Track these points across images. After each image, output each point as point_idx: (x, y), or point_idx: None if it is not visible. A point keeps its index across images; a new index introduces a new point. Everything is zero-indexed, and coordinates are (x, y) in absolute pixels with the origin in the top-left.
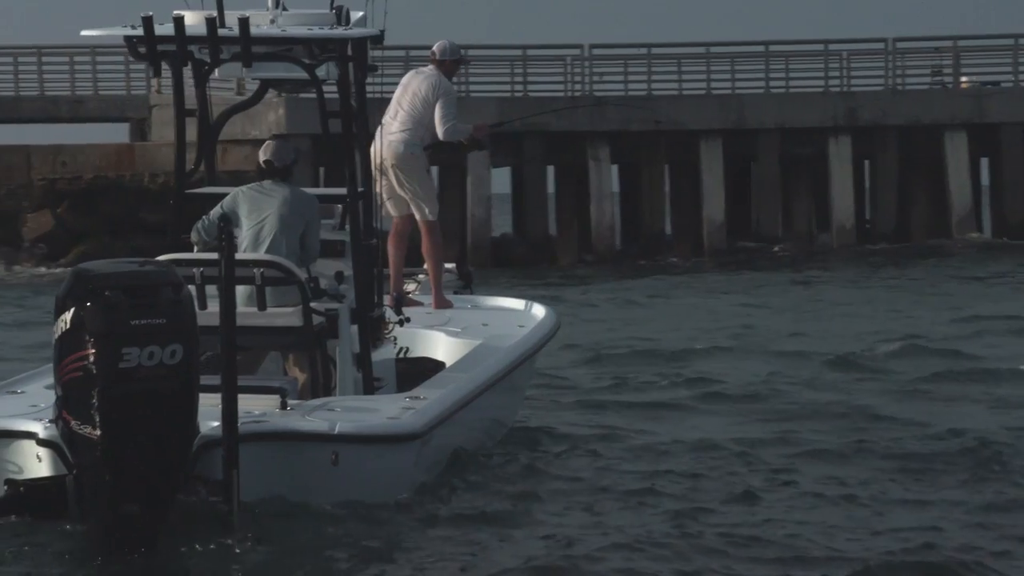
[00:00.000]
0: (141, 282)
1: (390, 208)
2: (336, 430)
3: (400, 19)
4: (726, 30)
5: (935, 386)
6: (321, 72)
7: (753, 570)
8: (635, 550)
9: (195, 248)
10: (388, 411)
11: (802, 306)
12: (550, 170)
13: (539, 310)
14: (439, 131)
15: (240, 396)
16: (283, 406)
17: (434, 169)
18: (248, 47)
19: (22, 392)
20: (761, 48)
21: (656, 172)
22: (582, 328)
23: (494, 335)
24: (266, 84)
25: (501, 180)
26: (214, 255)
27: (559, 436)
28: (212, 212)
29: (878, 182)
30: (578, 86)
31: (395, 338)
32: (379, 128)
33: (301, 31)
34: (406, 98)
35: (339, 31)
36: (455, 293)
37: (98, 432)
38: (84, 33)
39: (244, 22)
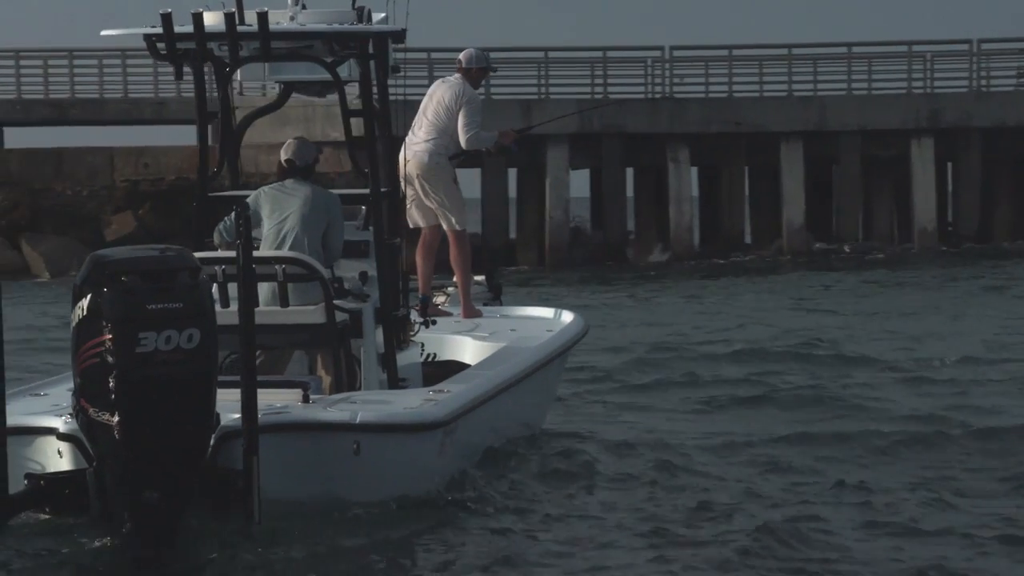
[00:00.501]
0: (158, 267)
1: (417, 219)
2: (358, 420)
3: (481, 20)
4: (808, 31)
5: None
6: (344, 72)
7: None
8: (659, 551)
9: (218, 250)
10: (410, 402)
11: (879, 309)
12: (629, 172)
13: (568, 316)
14: (461, 140)
15: (263, 391)
16: (305, 400)
17: (512, 172)
18: (267, 42)
19: (45, 395)
20: (844, 50)
21: (736, 174)
22: (640, 327)
23: (521, 338)
24: (289, 87)
25: (580, 183)
26: (232, 254)
27: (594, 436)
28: (230, 216)
29: (961, 184)
30: (658, 88)
31: (422, 344)
32: (406, 138)
33: (321, 26)
34: (431, 107)
35: (359, 27)
36: (484, 305)
37: (116, 418)
38: (104, 33)
39: (263, 16)
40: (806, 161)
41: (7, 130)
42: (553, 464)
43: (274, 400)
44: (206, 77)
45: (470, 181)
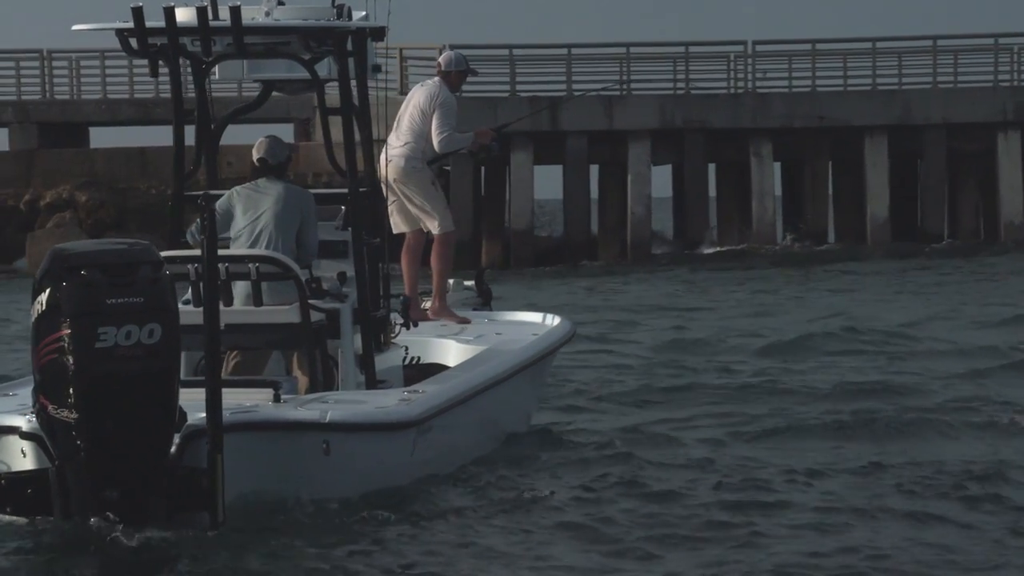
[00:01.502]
0: (118, 260)
1: (400, 223)
2: (327, 418)
3: (562, 16)
4: (893, 25)
5: None
6: (324, 71)
7: None
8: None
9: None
10: (383, 402)
11: (961, 305)
12: (711, 168)
13: (555, 320)
14: (434, 143)
15: (234, 391)
16: (276, 399)
17: (593, 168)
18: (240, 37)
19: (14, 395)
20: (929, 43)
21: (819, 169)
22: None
23: (505, 341)
24: (269, 86)
25: (662, 179)
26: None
27: (580, 437)
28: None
29: None
30: (741, 83)
31: (406, 347)
32: (387, 142)
33: (296, 22)
34: (408, 112)
35: (336, 22)
36: (474, 309)
37: (75, 415)
38: (75, 28)
39: (236, 11)
40: (890, 156)
41: (93, 130)
42: (532, 465)
43: (244, 400)
44: (184, 74)
45: (553, 179)
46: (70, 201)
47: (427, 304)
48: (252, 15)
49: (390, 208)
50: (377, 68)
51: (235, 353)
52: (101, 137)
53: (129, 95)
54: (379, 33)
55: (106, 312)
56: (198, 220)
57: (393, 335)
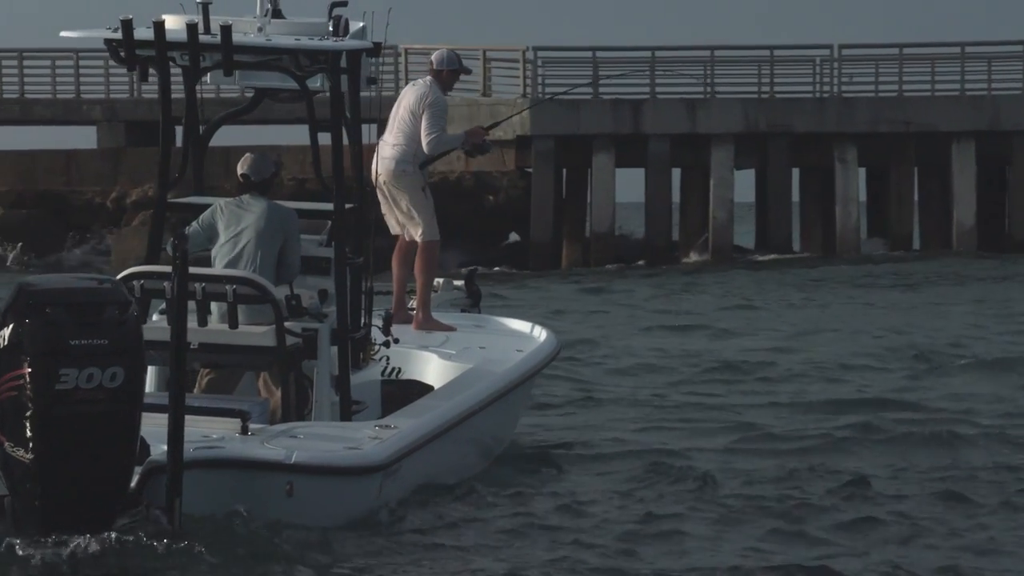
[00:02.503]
0: (84, 299)
1: (391, 226)
2: (292, 460)
3: (647, 19)
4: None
5: None
6: (317, 83)
7: None
8: None
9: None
10: (352, 440)
11: None
12: (795, 172)
13: (541, 333)
14: (423, 144)
15: (202, 418)
16: (244, 430)
17: (676, 172)
18: (229, 56)
19: None
20: (1019, 48)
21: (905, 175)
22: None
23: (488, 359)
24: (261, 93)
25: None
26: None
27: (555, 459)
28: (190, 226)
29: None
30: (827, 87)
31: (387, 357)
32: (378, 143)
33: (287, 41)
34: (399, 113)
35: (328, 43)
36: (462, 311)
37: (30, 456)
38: (64, 34)
39: (226, 30)
40: (978, 161)
41: (180, 129)
42: (492, 501)
43: (212, 429)
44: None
45: (635, 182)
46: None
47: (413, 302)
48: (245, 28)
49: (383, 209)
50: (373, 81)
51: (208, 371)
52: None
53: (216, 94)
54: (373, 51)
55: (69, 353)
56: (180, 230)
57: (373, 352)
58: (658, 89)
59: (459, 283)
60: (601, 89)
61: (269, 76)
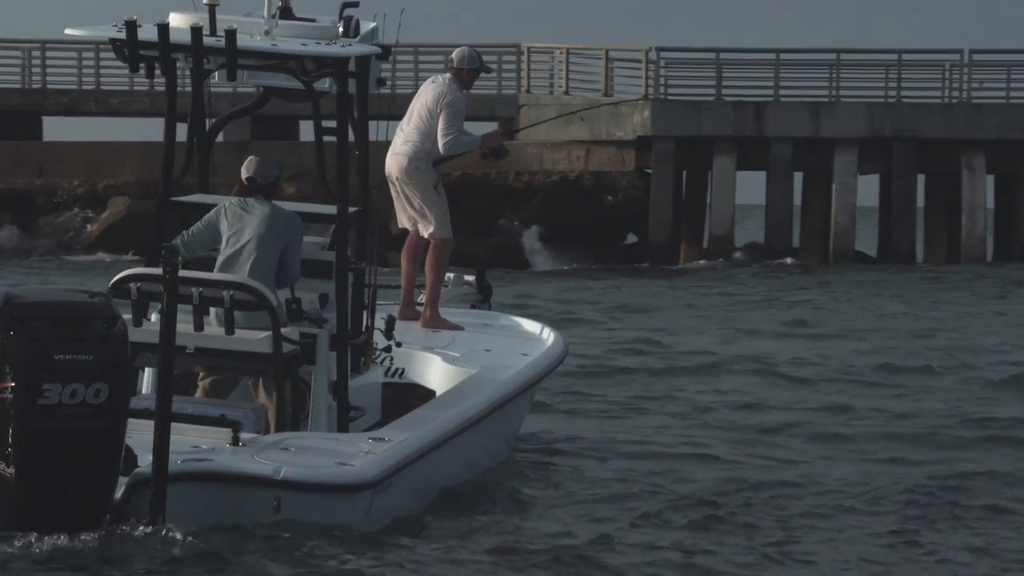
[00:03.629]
0: (71, 314)
1: (403, 222)
2: (280, 475)
3: (770, 21)
4: None
5: None
6: (326, 84)
7: None
8: None
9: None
10: (343, 455)
11: None
12: (920, 178)
13: (549, 336)
14: (439, 145)
15: (193, 427)
16: (235, 441)
17: (798, 176)
18: (233, 61)
19: None
20: None
21: None
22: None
23: (492, 365)
24: (269, 91)
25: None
26: (183, 274)
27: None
28: (194, 227)
29: None
30: (955, 92)
31: (390, 357)
32: (393, 139)
33: (292, 46)
34: (416, 109)
35: (334, 48)
36: (472, 307)
37: (11, 470)
38: (68, 32)
39: (231, 35)
40: None
41: (303, 123)
42: (502, 503)
43: (203, 439)
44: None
45: (756, 185)
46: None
47: (422, 298)
48: (251, 30)
49: (395, 204)
50: (382, 82)
51: (207, 374)
52: (309, 130)
53: (233, 88)
54: (383, 55)
55: (52, 368)
56: (184, 233)
57: (374, 356)
58: (782, 92)
59: (470, 278)
60: (723, 91)
61: (277, 75)
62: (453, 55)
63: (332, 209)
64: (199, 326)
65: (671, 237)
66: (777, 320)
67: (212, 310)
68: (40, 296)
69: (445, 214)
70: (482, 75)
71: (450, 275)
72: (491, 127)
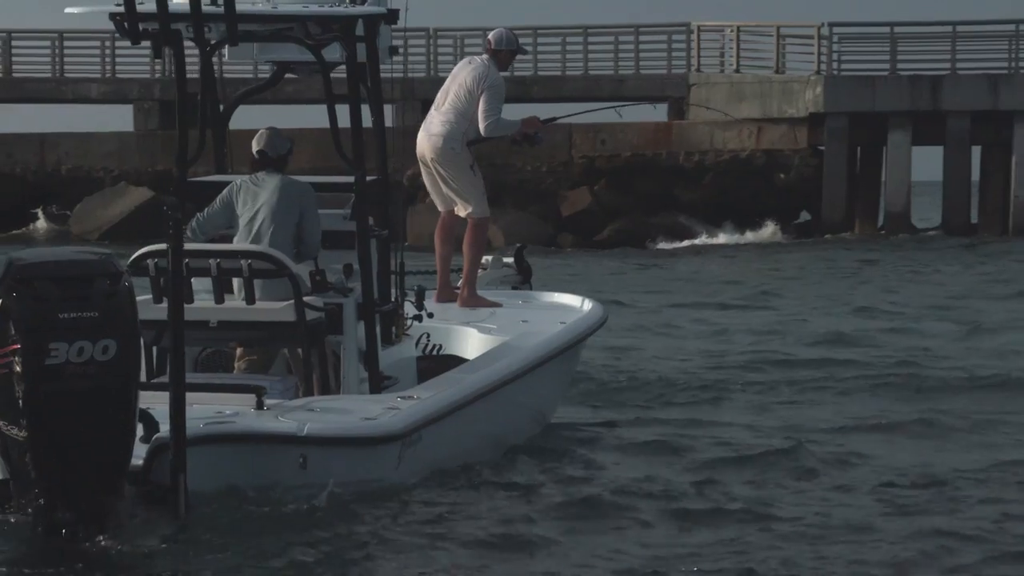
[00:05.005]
0: (74, 272)
1: (437, 202)
2: (304, 432)
3: None
4: None
5: None
6: (336, 54)
7: None
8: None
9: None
10: (370, 412)
11: None
12: None
13: (589, 306)
14: (481, 127)
15: (216, 395)
16: (259, 405)
17: (975, 149)
18: (234, 25)
19: None
20: None
21: None
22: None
23: (527, 332)
24: (283, 67)
25: None
26: (199, 246)
27: (608, 441)
28: (208, 209)
29: None
30: None
31: (427, 334)
32: (425, 119)
33: (293, 8)
34: (452, 88)
35: (337, 9)
36: (513, 288)
37: (24, 434)
38: (68, 11)
39: (230, 0)
40: None
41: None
42: (530, 478)
43: (226, 405)
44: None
45: (932, 160)
46: None
47: (460, 282)
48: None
49: (427, 185)
50: (394, 51)
51: (243, 352)
52: None
53: (510, 72)
54: (392, 17)
55: (57, 327)
56: (198, 216)
57: (406, 328)
58: (959, 64)
59: (509, 260)
60: (898, 65)
61: (287, 49)
62: (490, 36)
63: (347, 179)
64: (220, 299)
65: (845, 215)
66: None
67: (235, 285)
68: (42, 256)
69: (483, 193)
70: (643, 53)
71: (488, 257)
72: (527, 114)
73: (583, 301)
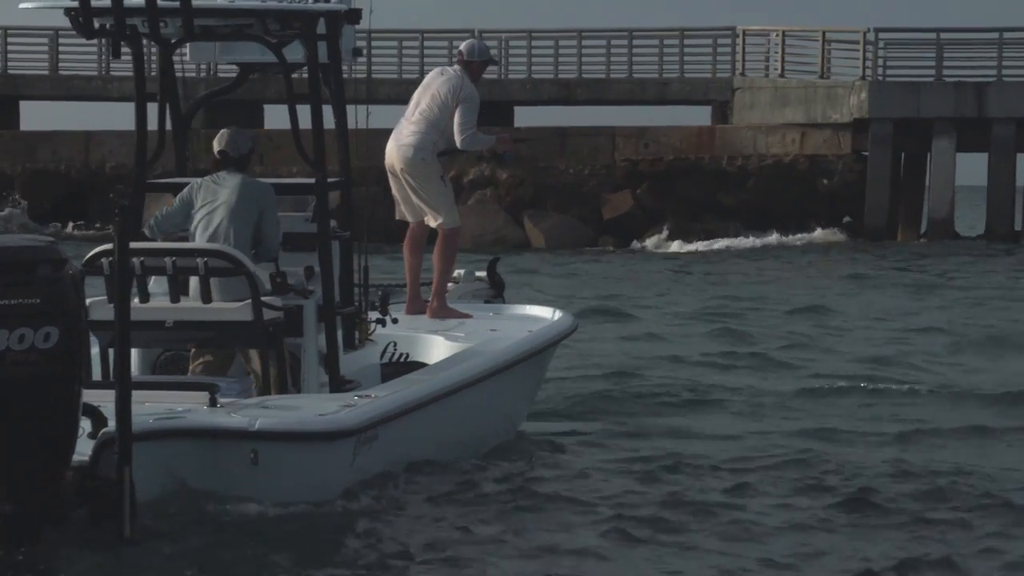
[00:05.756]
0: (15, 258)
1: (404, 212)
2: (256, 426)
3: None
4: None
5: None
6: (300, 56)
7: None
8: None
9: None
10: (324, 408)
11: None
12: None
13: (559, 316)
14: (457, 140)
15: (168, 392)
16: (212, 403)
17: (1021, 157)
18: (190, 20)
19: None
20: None
21: None
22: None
23: (496, 340)
24: (246, 68)
25: None
26: (155, 245)
27: (575, 451)
28: (167, 207)
29: None
30: None
31: (394, 343)
32: (394, 128)
33: (251, 3)
34: (424, 99)
35: (297, 5)
36: (485, 302)
37: None
38: (23, 6)
39: None
40: None
41: (517, 109)
42: (495, 478)
43: (178, 403)
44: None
45: (976, 167)
46: (491, 178)
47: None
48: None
49: (394, 194)
50: (358, 52)
51: (200, 353)
52: (524, 116)
53: (554, 75)
54: (354, 16)
55: None
56: (157, 214)
57: (370, 332)
58: (1005, 71)
59: (481, 273)
60: (944, 71)
61: (249, 50)
62: (462, 47)
63: (307, 181)
64: (175, 298)
65: (888, 221)
66: None
67: (192, 286)
68: None
69: (453, 204)
70: (688, 57)
71: (460, 271)
72: (501, 132)
73: (554, 312)
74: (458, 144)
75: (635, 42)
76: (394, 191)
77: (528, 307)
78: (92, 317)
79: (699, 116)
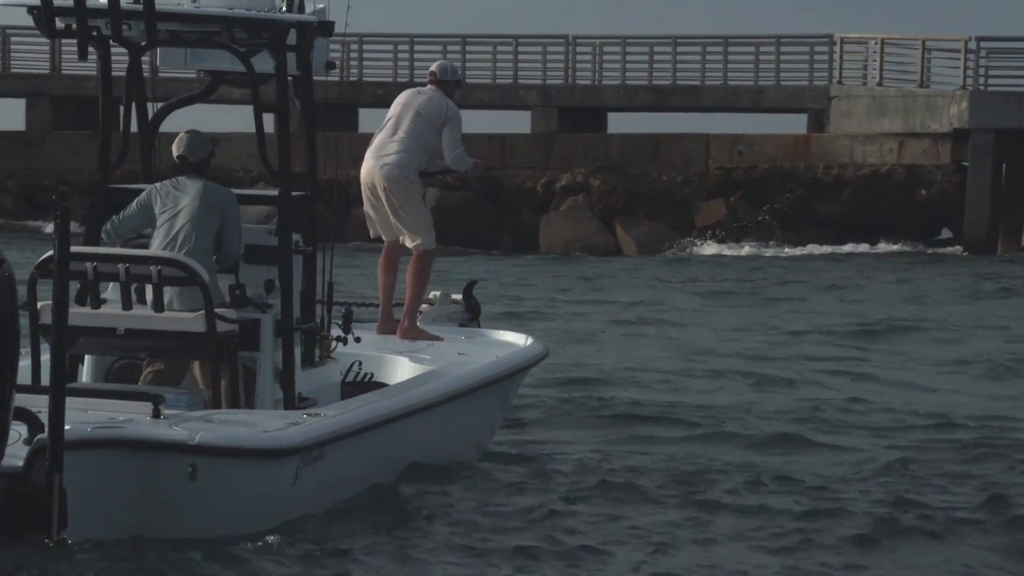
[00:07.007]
0: None
1: (381, 232)
2: (196, 440)
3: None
4: None
5: None
6: (269, 66)
7: None
8: None
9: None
10: (269, 425)
11: None
12: None
13: (530, 343)
14: (447, 157)
15: (113, 401)
16: (156, 414)
17: None
18: (152, 24)
19: None
20: None
21: None
22: None
23: (462, 363)
24: (217, 76)
25: None
26: (108, 250)
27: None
28: (125, 211)
29: None
30: None
31: (359, 362)
32: (370, 146)
33: (218, 10)
34: (407, 117)
35: (264, 14)
36: (460, 325)
37: None
38: None
39: None
40: None
41: (611, 115)
42: (449, 501)
43: (121, 412)
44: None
45: None
46: (584, 185)
47: (422, 309)
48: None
49: (369, 212)
50: (331, 65)
51: (152, 363)
52: (618, 123)
53: (648, 81)
54: (327, 28)
55: None
56: (114, 218)
57: (331, 350)
58: (990, 80)
59: (457, 296)
60: None
61: (219, 58)
62: (435, 68)
63: (270, 192)
64: (127, 305)
65: (987, 233)
66: None
67: (149, 295)
68: None
69: (431, 225)
70: (784, 65)
71: (435, 293)
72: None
73: (526, 339)
74: (448, 161)
75: (730, 49)
76: (368, 209)
77: (501, 332)
78: (44, 320)
79: (794, 124)
